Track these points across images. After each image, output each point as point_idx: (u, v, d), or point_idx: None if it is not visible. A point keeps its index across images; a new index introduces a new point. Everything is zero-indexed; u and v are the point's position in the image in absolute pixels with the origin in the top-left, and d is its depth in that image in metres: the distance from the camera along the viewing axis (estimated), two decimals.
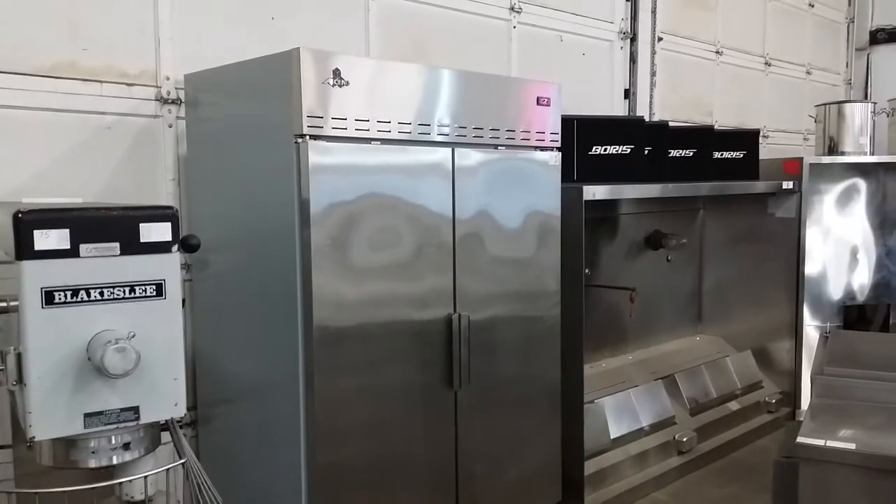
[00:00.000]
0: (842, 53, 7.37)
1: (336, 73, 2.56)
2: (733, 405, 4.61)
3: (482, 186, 3.04)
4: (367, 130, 2.65)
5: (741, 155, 4.74)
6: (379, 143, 2.69)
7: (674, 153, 4.28)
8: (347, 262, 2.62)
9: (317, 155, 2.52)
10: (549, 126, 3.29)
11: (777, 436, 4.66)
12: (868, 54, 7.23)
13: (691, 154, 4.35)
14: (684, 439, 4.09)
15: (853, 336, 3.15)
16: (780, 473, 2.30)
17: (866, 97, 6.89)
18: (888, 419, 2.24)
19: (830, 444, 2.04)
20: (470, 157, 2.98)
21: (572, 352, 3.48)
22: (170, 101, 3.06)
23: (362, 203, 2.65)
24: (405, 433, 2.82)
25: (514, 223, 3.16)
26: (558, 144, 3.33)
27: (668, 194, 4.11)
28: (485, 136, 3.03)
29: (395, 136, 2.73)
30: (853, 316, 5.56)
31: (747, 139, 4.80)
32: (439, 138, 2.87)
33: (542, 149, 3.27)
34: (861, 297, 5.51)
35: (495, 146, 3.09)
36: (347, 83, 2.58)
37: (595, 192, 3.57)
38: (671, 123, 4.59)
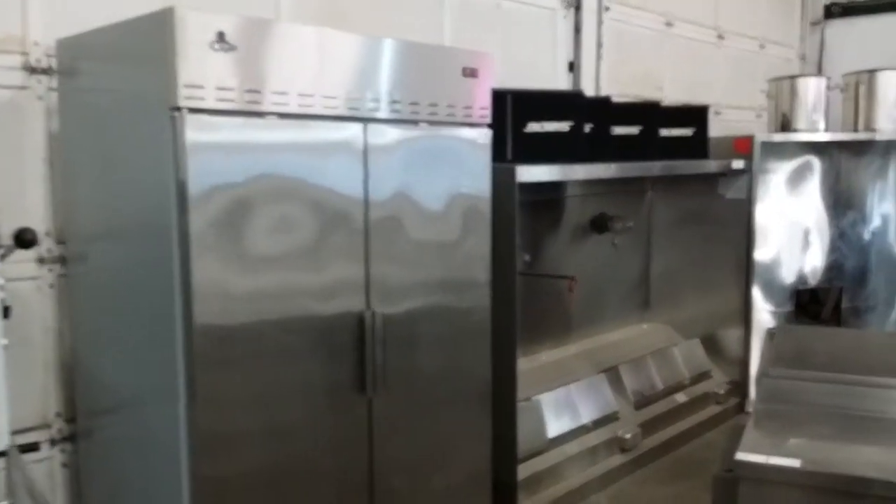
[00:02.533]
0: (796, 27, 7.17)
1: (220, 36, 2.21)
2: (680, 397, 4.39)
3: (400, 167, 2.72)
4: (260, 103, 2.31)
5: (690, 132, 4.48)
6: (275, 117, 2.35)
7: (618, 130, 4.00)
8: (237, 252, 2.28)
9: (196, 130, 2.17)
10: (478, 100, 2.98)
11: (725, 429, 4.47)
12: (822, 28, 7.04)
13: (637, 131, 4.08)
14: (628, 436, 3.85)
15: (801, 332, 2.93)
16: (720, 489, 2.05)
17: (820, 72, 6.71)
18: (838, 428, 2.00)
19: (773, 460, 1.79)
20: (385, 135, 2.66)
21: (504, 346, 3.20)
22: (39, 70, 2.67)
23: (255, 185, 2.31)
24: (308, 444, 2.51)
25: (437, 207, 2.85)
26: (488, 121, 3.02)
27: (609, 175, 3.84)
28: (403, 110, 2.71)
29: (294, 109, 2.39)
30: (805, 300, 5.40)
31: (696, 116, 4.55)
32: (348, 113, 2.54)
33: (471, 125, 2.96)
34: (814, 281, 5.34)
35: (415, 122, 2.76)
36: (234, 48, 2.23)
37: (530, 173, 3.27)
38: (619, 99, 4.31)
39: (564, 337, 4.31)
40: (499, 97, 3.20)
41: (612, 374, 4.10)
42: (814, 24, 7.34)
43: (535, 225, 4.08)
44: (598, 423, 3.83)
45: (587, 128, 3.68)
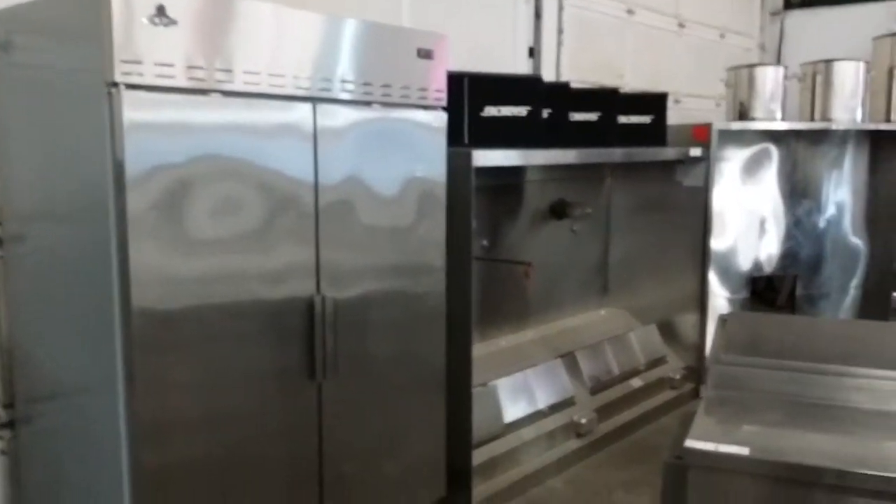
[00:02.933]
0: (756, 17, 7.22)
1: (160, 9, 2.13)
2: (636, 382, 4.41)
3: (352, 149, 2.66)
4: (204, 80, 2.24)
5: (648, 120, 4.48)
6: (219, 95, 2.28)
7: (576, 116, 3.97)
8: (179, 235, 2.21)
9: (134, 107, 2.09)
10: (434, 82, 2.93)
11: (679, 414, 4.50)
12: (782, 19, 7.10)
13: (595, 118, 4.06)
14: (583, 421, 3.86)
15: (753, 319, 2.94)
16: (670, 476, 2.05)
17: (779, 62, 6.77)
18: (789, 415, 2.00)
19: (722, 448, 1.78)
20: (336, 115, 2.60)
21: (460, 332, 3.17)
22: None
23: (198, 166, 2.24)
24: (256, 431, 2.45)
25: (390, 191, 2.81)
26: (444, 103, 2.98)
27: (567, 161, 3.82)
28: (355, 91, 2.65)
29: (239, 87, 2.32)
30: (760, 287, 5.45)
31: (655, 103, 4.54)
32: (298, 92, 2.47)
33: (426, 108, 2.91)
34: (769, 268, 5.40)
35: (368, 103, 2.71)
36: (175, 22, 2.15)
37: (486, 157, 3.23)
38: (580, 86, 4.29)
39: (522, 322, 4.30)
40: (455, 80, 3.16)
41: (569, 360, 4.10)
42: (773, 14, 7.41)
43: (493, 210, 4.05)
44: (554, 408, 3.82)
45: (545, 113, 3.65)
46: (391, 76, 2.76)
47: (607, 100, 4.14)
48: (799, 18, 7.20)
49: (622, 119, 4.26)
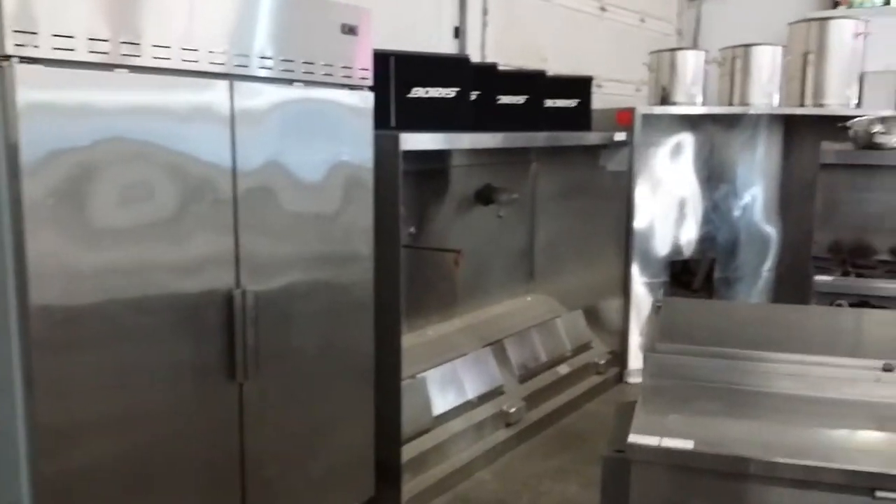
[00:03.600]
0: (674, 2, 7.31)
1: None
2: (563, 369, 4.39)
3: (273, 131, 2.49)
4: (108, 54, 2.03)
5: (574, 104, 4.43)
6: (126, 70, 2.08)
7: (504, 100, 3.89)
8: (82, 225, 2.01)
9: (29, 84, 1.87)
10: (359, 60, 2.78)
11: (605, 399, 4.53)
12: (699, 4, 7.21)
13: (522, 101, 3.98)
14: (512, 410, 3.81)
15: (686, 305, 2.94)
16: (610, 470, 1.99)
17: (695, 48, 6.86)
18: (727, 404, 1.98)
19: (666, 443, 1.73)
20: (255, 94, 2.42)
21: (388, 323, 3.05)
22: None
23: (102, 150, 2.03)
24: (171, 434, 2.27)
25: (314, 176, 2.65)
26: (370, 83, 2.83)
27: (497, 145, 3.73)
28: (275, 67, 2.48)
29: (148, 62, 2.12)
30: (677, 270, 5.53)
31: (580, 87, 4.50)
32: (213, 68, 2.29)
33: (351, 87, 2.76)
34: (688, 252, 5.48)
35: (289, 81, 2.54)
36: None
37: (415, 140, 3.10)
38: (506, 68, 4.20)
39: (450, 311, 4.21)
40: (381, 59, 3.02)
41: (497, 348, 4.04)
42: None
43: (419, 196, 3.93)
44: (483, 398, 3.75)
45: (473, 95, 3.55)
46: (314, 53, 2.60)
47: (534, 83, 4.07)
48: (715, 4, 7.33)
49: (548, 103, 4.20)
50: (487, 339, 4.07)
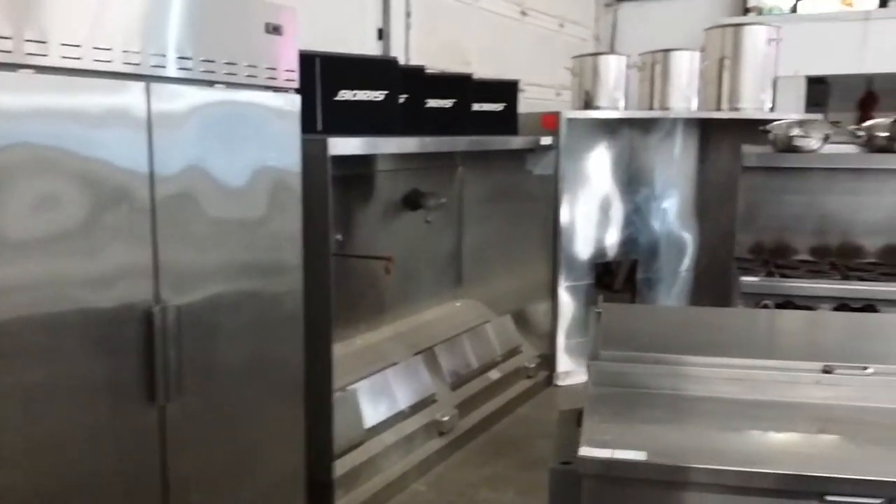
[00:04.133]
0: (591, 8, 7.42)
1: None
2: (494, 374, 4.36)
3: (194, 134, 2.34)
4: (11, 53, 1.86)
5: (501, 108, 4.41)
6: (31, 71, 1.90)
7: (431, 103, 3.82)
8: None
9: None
10: (284, 61, 2.66)
11: (537, 402, 4.52)
12: (615, 10, 7.34)
13: (450, 105, 3.92)
14: (445, 418, 3.74)
15: (628, 311, 2.93)
16: (558, 483, 1.94)
17: (612, 53, 6.99)
18: (672, 410, 1.96)
19: (618, 455, 1.68)
20: (173, 96, 2.27)
21: (319, 335, 2.93)
22: None
23: (7, 156, 1.87)
24: (86, 462, 2.10)
25: (239, 182, 2.51)
26: (296, 85, 2.71)
27: (427, 149, 3.66)
28: (194, 68, 2.33)
29: (56, 62, 1.95)
30: (600, 272, 5.59)
31: (507, 91, 4.48)
32: (127, 69, 2.13)
33: (276, 89, 2.63)
34: (612, 255, 5.54)
35: (210, 83, 2.39)
36: None
37: (344, 145, 2.99)
38: (429, 71, 4.13)
39: (378, 319, 4.11)
40: (307, 60, 2.91)
41: (428, 355, 3.97)
42: (607, 5, 7.66)
43: (345, 202, 3.82)
44: (415, 408, 3.67)
45: (401, 98, 3.46)
46: (236, 53, 2.46)
47: (461, 86, 4.02)
48: (631, 10, 7.49)
49: (475, 107, 4.16)
50: (418, 347, 3.99)
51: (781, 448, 1.77)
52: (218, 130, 2.42)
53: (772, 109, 5.36)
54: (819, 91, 7.26)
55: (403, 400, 3.61)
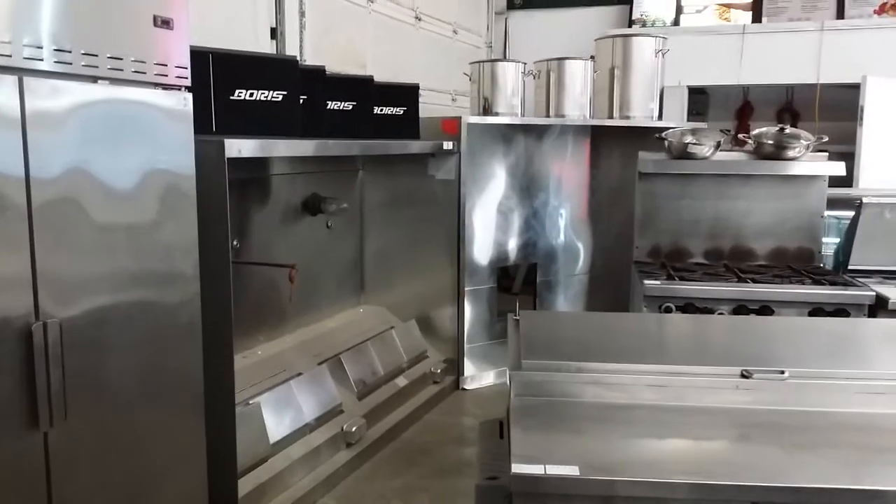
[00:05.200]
0: (483, 15, 7.48)
1: None
2: (400, 381, 4.27)
3: (76, 134, 2.15)
4: None
5: (401, 112, 4.35)
6: None
7: (332, 105, 3.71)
8: None
9: None
10: (175, 57, 2.48)
11: (445, 407, 4.47)
12: (506, 18, 7.43)
13: (350, 107, 3.83)
14: (353, 429, 3.62)
15: (546, 318, 2.90)
16: (486, 499, 1.86)
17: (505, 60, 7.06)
18: (598, 420, 1.93)
19: (551, 471, 1.62)
20: (52, 93, 2.07)
21: (219, 347, 2.76)
22: None
23: None
24: None
25: (127, 186, 2.33)
26: (188, 83, 2.54)
27: (328, 152, 3.55)
28: (74, 62, 2.14)
29: None
30: (500, 275, 5.62)
31: (408, 94, 4.42)
32: None
33: (166, 87, 2.46)
34: (512, 258, 5.58)
35: (93, 78, 2.21)
36: None
37: (241, 147, 2.85)
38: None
39: (279, 328, 3.95)
40: (199, 57, 2.74)
41: (334, 364, 3.85)
42: (499, 13, 7.75)
43: (241, 207, 3.64)
44: (321, 419, 3.54)
45: (301, 99, 3.34)
46: (122, 47, 2.28)
47: (363, 89, 3.93)
48: (521, 19, 7.60)
49: (377, 110, 4.08)
50: (322, 356, 3.86)
51: (710, 457, 1.75)
52: (103, 130, 2.23)
53: (659, 118, 5.55)
54: (700, 101, 7.61)
55: (309, 412, 3.47)
